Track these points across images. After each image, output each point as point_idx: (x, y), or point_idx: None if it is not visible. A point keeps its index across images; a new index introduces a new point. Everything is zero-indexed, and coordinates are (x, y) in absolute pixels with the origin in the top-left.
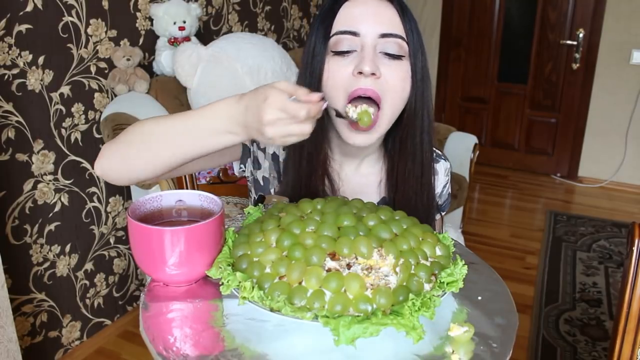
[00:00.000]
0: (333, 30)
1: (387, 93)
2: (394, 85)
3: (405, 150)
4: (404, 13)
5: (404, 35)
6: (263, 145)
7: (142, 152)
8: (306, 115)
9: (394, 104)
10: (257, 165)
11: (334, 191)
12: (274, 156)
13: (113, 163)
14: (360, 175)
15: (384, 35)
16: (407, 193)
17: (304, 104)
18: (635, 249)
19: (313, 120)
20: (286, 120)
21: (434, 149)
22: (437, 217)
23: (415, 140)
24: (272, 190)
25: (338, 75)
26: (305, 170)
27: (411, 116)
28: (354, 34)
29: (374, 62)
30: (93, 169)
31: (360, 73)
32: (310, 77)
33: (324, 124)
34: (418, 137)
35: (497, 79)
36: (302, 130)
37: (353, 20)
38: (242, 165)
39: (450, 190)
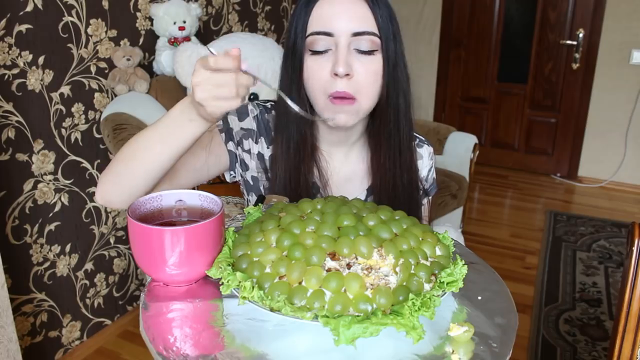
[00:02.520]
0: (308, 31)
1: (361, 90)
2: (367, 82)
3: (381, 135)
4: (375, 3)
5: (375, 30)
6: (247, 147)
7: (128, 168)
8: (214, 64)
9: (369, 96)
10: (244, 167)
11: (323, 181)
12: (259, 155)
13: (108, 187)
14: (349, 164)
15: (356, 34)
16: (387, 175)
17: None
18: (635, 248)
19: (241, 84)
20: (210, 79)
21: (416, 134)
22: (424, 201)
23: (389, 124)
24: (261, 187)
25: (317, 76)
26: (294, 161)
27: (383, 102)
28: (328, 34)
29: (347, 62)
30: (94, 198)
31: (336, 74)
32: (292, 73)
33: (308, 115)
34: (393, 121)
35: (497, 79)
36: (227, 92)
37: (326, 21)
38: (231, 172)
39: (435, 175)
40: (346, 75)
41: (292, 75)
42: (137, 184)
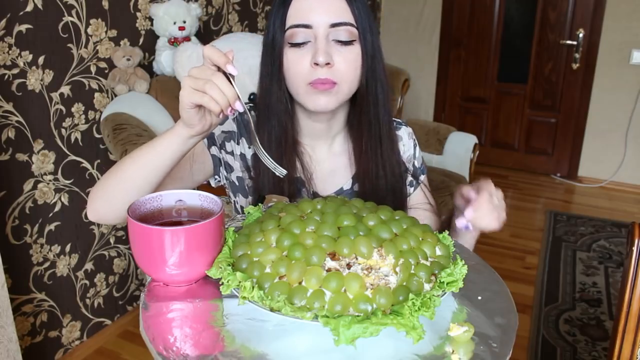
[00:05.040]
0: (287, 24)
1: (341, 77)
2: (347, 71)
3: (361, 125)
4: None
5: (353, 21)
6: (230, 149)
7: (117, 184)
8: (205, 50)
9: (348, 82)
10: (229, 168)
11: (307, 176)
12: (242, 156)
13: (98, 204)
14: (333, 156)
15: (334, 25)
16: (369, 165)
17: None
18: (635, 248)
19: (213, 82)
20: (199, 71)
21: (394, 118)
22: (421, 179)
23: (369, 114)
24: (246, 187)
25: (297, 67)
26: (275, 155)
27: (363, 92)
28: (307, 26)
29: (327, 52)
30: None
31: (317, 64)
32: (272, 67)
33: (288, 108)
34: (372, 110)
35: (497, 79)
36: (197, 83)
37: (304, 13)
38: (216, 177)
39: (421, 154)
40: (326, 65)
41: (272, 69)
42: (124, 200)
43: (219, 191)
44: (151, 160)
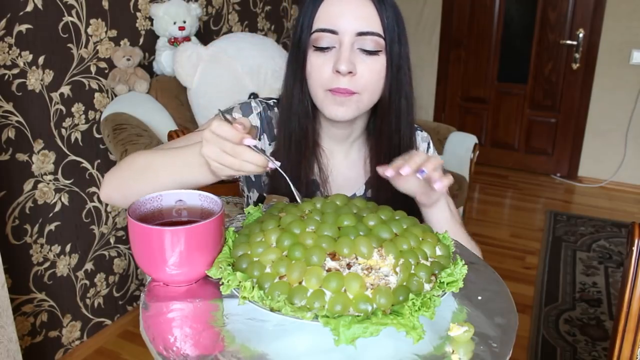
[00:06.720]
0: (314, 27)
1: (362, 88)
2: (369, 82)
3: (382, 135)
4: (382, 4)
5: (380, 31)
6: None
7: (136, 183)
8: (215, 128)
9: (370, 93)
10: None
11: (323, 178)
12: (262, 152)
13: (114, 194)
14: (349, 162)
15: (361, 34)
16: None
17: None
18: (635, 248)
19: (244, 159)
20: (218, 142)
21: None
22: None
23: (391, 126)
24: (262, 184)
25: (319, 72)
26: (295, 157)
27: (385, 104)
28: (333, 32)
29: (351, 60)
30: (100, 194)
31: (338, 72)
32: (295, 67)
33: (309, 111)
34: (394, 121)
35: (497, 79)
36: (229, 161)
37: (332, 18)
38: None
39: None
40: (349, 73)
41: (296, 69)
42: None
43: (220, 190)
44: (175, 177)
